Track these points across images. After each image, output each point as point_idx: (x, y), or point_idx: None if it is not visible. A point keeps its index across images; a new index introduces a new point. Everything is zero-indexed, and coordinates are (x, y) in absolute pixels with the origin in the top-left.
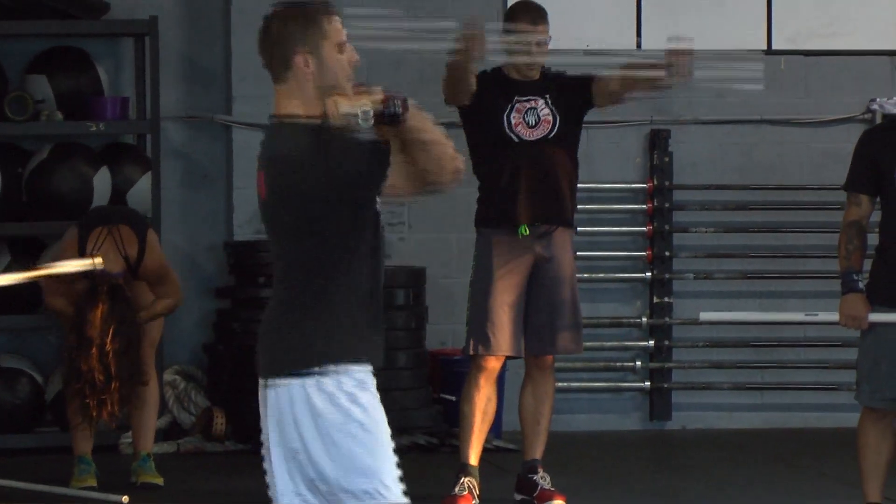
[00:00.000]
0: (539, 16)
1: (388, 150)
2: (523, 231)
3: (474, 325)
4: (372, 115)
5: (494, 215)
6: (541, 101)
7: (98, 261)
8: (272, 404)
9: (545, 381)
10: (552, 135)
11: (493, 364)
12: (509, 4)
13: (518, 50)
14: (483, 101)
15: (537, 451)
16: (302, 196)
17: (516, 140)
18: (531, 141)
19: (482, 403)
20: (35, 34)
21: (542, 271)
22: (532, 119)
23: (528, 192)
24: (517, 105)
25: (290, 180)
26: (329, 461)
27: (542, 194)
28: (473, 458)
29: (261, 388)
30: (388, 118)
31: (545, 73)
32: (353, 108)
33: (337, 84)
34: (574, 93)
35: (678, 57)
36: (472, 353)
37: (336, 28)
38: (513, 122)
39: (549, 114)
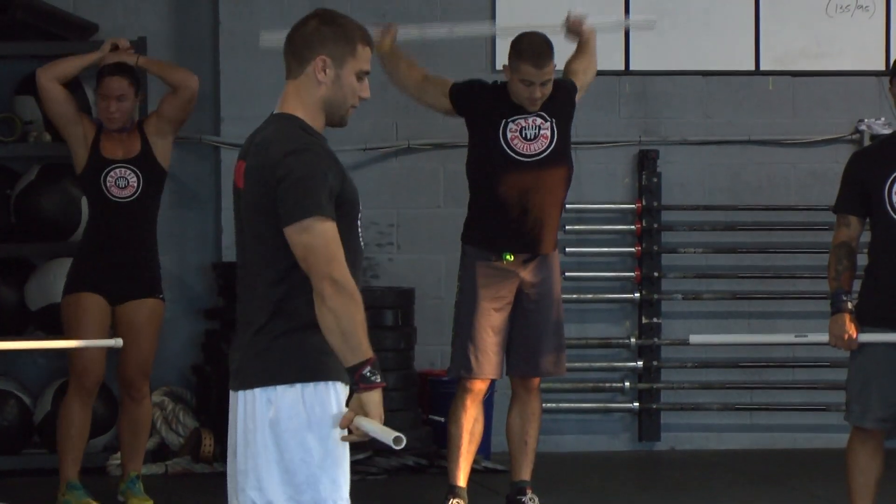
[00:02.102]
0: (544, 58)
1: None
2: (508, 257)
3: (459, 348)
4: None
5: (481, 238)
6: (539, 119)
7: (120, 342)
8: (242, 412)
9: (532, 401)
10: (549, 150)
11: (479, 386)
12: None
13: (521, 89)
14: (481, 111)
15: (525, 473)
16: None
17: (512, 155)
18: (527, 161)
19: (469, 424)
20: (24, 55)
21: (528, 293)
22: (531, 132)
23: (516, 222)
24: (513, 122)
25: (270, 169)
26: (280, 474)
27: (530, 224)
28: (462, 480)
29: (232, 394)
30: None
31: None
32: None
33: (341, 105)
34: (558, 90)
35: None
36: (456, 375)
37: (366, 56)
38: (509, 136)
39: (548, 130)
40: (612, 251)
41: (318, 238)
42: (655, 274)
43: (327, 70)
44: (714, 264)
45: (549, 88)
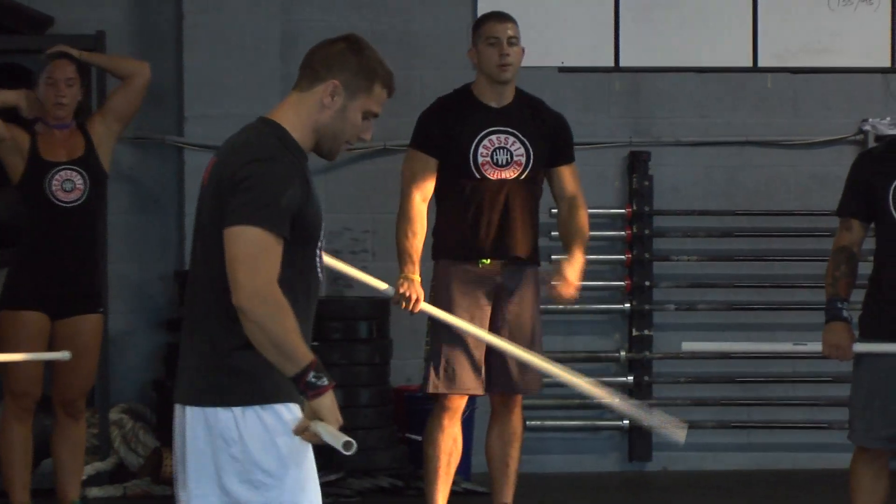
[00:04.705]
0: (506, 16)
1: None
2: (485, 262)
3: (436, 362)
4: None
5: (454, 247)
6: (513, 137)
7: (67, 355)
8: (192, 430)
9: (512, 420)
10: (522, 177)
11: (457, 403)
12: (479, 13)
13: (489, 54)
14: (448, 132)
15: (507, 495)
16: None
17: (481, 178)
18: (497, 182)
19: (447, 445)
20: None
21: (505, 306)
22: (503, 158)
23: (489, 227)
24: (486, 140)
25: (232, 172)
26: (251, 494)
27: (504, 231)
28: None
29: (178, 407)
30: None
31: (520, 97)
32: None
33: (336, 137)
34: (547, 141)
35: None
36: (431, 391)
37: (380, 100)
38: (480, 160)
39: (522, 153)
40: (601, 258)
41: (249, 247)
42: (647, 283)
43: (335, 97)
44: (709, 273)
45: (518, 53)
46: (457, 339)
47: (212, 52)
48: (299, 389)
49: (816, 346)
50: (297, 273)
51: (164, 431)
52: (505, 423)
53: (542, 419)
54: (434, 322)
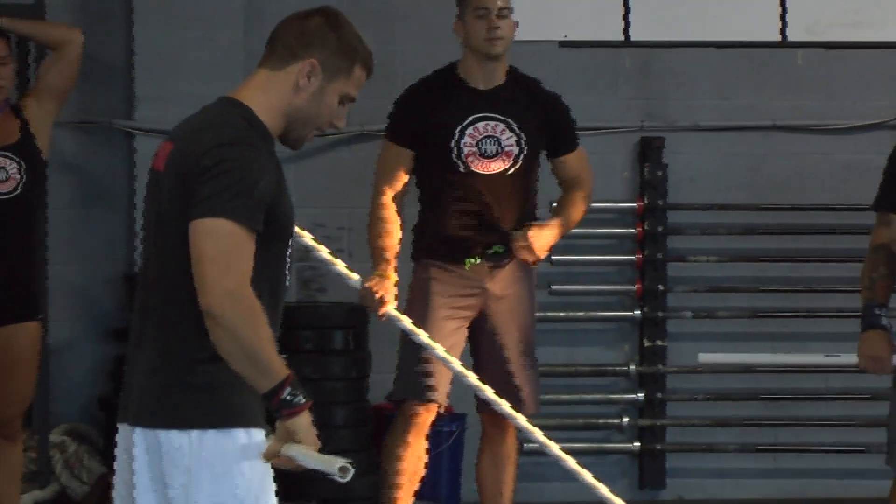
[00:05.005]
0: None
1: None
2: (472, 261)
3: (405, 369)
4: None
5: (437, 246)
6: (503, 124)
7: None
8: (142, 454)
9: (506, 442)
10: (513, 170)
11: (425, 417)
12: None
13: (477, 27)
14: (427, 119)
15: None
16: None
17: (466, 171)
18: (485, 175)
19: (411, 465)
20: None
21: (495, 309)
22: (491, 149)
23: (476, 225)
24: (472, 127)
25: (196, 157)
26: None
27: (494, 229)
28: None
29: (124, 428)
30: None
31: (512, 77)
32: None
33: (309, 122)
34: (544, 128)
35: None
36: (396, 397)
37: (359, 82)
38: (464, 151)
39: (513, 142)
40: (609, 259)
41: (220, 243)
42: (660, 287)
43: (312, 78)
44: (730, 275)
45: (509, 26)
46: (432, 340)
47: (165, 25)
48: (273, 407)
49: (851, 358)
50: (266, 273)
51: (111, 455)
52: (497, 446)
53: None
54: (411, 317)
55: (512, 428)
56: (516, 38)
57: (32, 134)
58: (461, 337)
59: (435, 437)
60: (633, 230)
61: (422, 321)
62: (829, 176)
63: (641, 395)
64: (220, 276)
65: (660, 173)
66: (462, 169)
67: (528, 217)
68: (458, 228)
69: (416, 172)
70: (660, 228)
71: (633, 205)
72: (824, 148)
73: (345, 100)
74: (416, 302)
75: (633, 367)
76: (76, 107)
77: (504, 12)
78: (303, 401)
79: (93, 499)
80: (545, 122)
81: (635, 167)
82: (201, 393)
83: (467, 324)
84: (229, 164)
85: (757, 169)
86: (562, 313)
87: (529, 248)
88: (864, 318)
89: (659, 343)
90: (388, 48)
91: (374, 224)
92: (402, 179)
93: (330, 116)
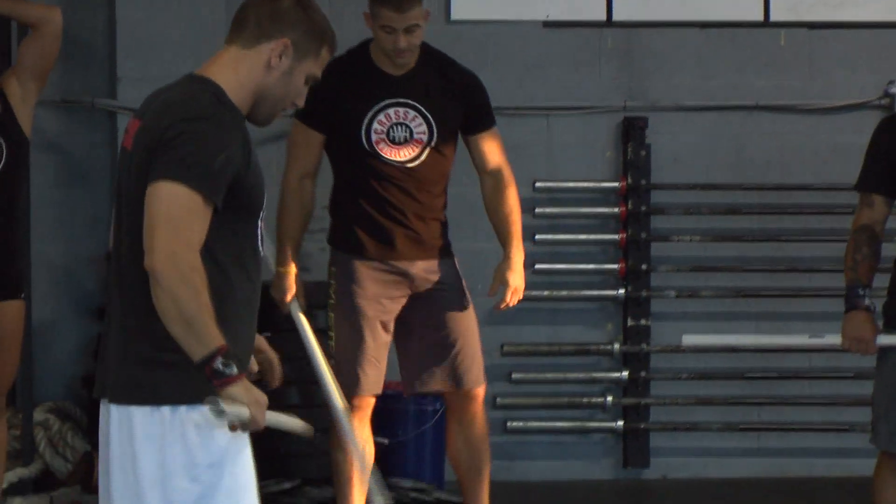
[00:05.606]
0: (406, 2)
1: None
2: (389, 249)
3: (341, 361)
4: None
5: (353, 236)
6: (413, 110)
7: None
8: (118, 431)
9: (478, 418)
10: (422, 157)
11: (367, 402)
12: None
13: (383, 39)
14: (338, 103)
15: (485, 502)
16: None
17: (376, 159)
18: (396, 165)
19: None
20: None
21: (427, 290)
22: (400, 135)
23: (387, 217)
24: (382, 113)
25: (161, 132)
26: (180, 500)
27: (407, 220)
28: None
29: (103, 404)
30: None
31: (426, 58)
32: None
33: (277, 102)
34: (458, 108)
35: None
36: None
37: (323, 63)
38: (373, 137)
39: (424, 130)
40: (592, 239)
41: (172, 207)
42: (643, 267)
43: (283, 58)
44: (714, 255)
45: (417, 37)
46: (365, 334)
47: (148, 3)
48: (206, 376)
49: (835, 339)
50: (235, 246)
51: (95, 433)
52: (470, 426)
53: (524, 420)
54: (337, 310)
55: (481, 404)
56: (499, 17)
57: (14, 113)
58: (390, 325)
59: (419, 416)
60: (617, 210)
61: (352, 315)
62: (812, 156)
63: (625, 374)
64: (167, 238)
65: (643, 153)
66: (371, 155)
67: (438, 204)
68: (370, 223)
69: (329, 155)
70: (643, 208)
71: (617, 184)
72: (807, 128)
73: (309, 80)
74: (343, 292)
75: (616, 346)
76: (58, 86)
77: (413, 28)
78: (235, 372)
79: (77, 476)
80: (460, 103)
81: (618, 147)
82: (173, 369)
83: (395, 311)
84: (191, 136)
85: (740, 149)
86: (545, 292)
87: (514, 293)
88: (847, 299)
89: (642, 322)
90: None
91: (280, 208)
92: (310, 161)
93: (295, 96)
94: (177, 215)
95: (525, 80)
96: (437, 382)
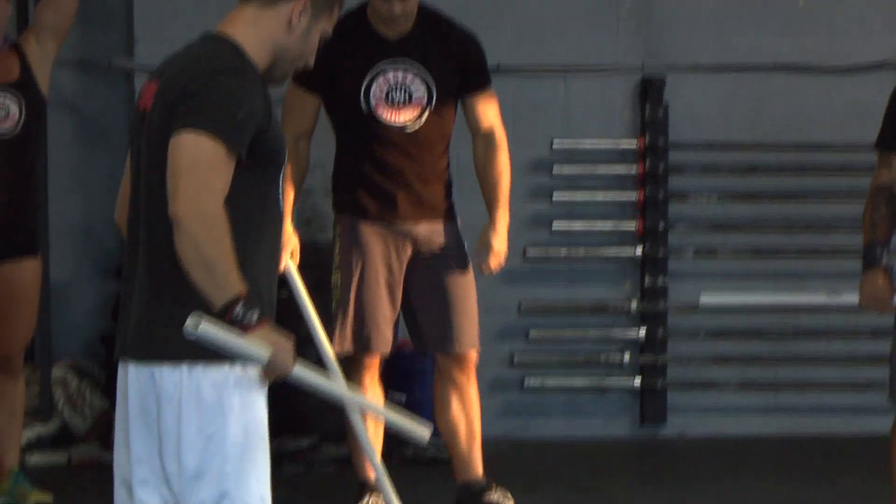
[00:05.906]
0: None
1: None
2: (394, 211)
3: (345, 320)
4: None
5: (356, 199)
6: (412, 73)
7: None
8: (137, 390)
9: (471, 381)
10: (423, 119)
11: (375, 360)
12: None
13: (378, 5)
14: (336, 64)
15: (480, 466)
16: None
17: (376, 122)
18: (396, 128)
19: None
20: None
21: (428, 250)
22: (400, 96)
23: (391, 180)
24: (381, 75)
25: (183, 87)
26: (194, 457)
27: (409, 183)
28: (373, 473)
29: (122, 363)
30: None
31: (423, 20)
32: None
33: (295, 60)
34: (455, 69)
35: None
36: (337, 350)
37: (334, 21)
38: (372, 101)
39: (423, 92)
40: (609, 199)
41: (197, 156)
42: (661, 226)
43: (303, 17)
44: (731, 214)
45: (413, 3)
46: (370, 294)
47: None
48: (227, 322)
49: (853, 297)
50: (262, 204)
51: (113, 392)
52: (464, 389)
53: (541, 378)
54: (342, 270)
55: (474, 369)
56: None
57: (32, 72)
58: (398, 285)
59: (425, 375)
60: (634, 169)
61: (355, 269)
62: (830, 115)
63: (642, 332)
64: (191, 185)
65: (660, 113)
66: (371, 119)
67: (441, 165)
68: (372, 185)
69: (329, 119)
70: (661, 167)
71: (634, 144)
72: (826, 88)
73: (323, 38)
74: (346, 251)
75: (634, 304)
76: (76, 47)
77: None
78: (255, 318)
79: (94, 434)
80: (457, 64)
81: (636, 107)
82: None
83: (401, 273)
84: (214, 88)
85: (758, 108)
86: (563, 251)
87: (496, 256)
88: (865, 258)
89: (660, 281)
90: None
91: None
92: (305, 123)
93: (310, 54)
94: (201, 164)
95: (543, 39)
96: (431, 343)
